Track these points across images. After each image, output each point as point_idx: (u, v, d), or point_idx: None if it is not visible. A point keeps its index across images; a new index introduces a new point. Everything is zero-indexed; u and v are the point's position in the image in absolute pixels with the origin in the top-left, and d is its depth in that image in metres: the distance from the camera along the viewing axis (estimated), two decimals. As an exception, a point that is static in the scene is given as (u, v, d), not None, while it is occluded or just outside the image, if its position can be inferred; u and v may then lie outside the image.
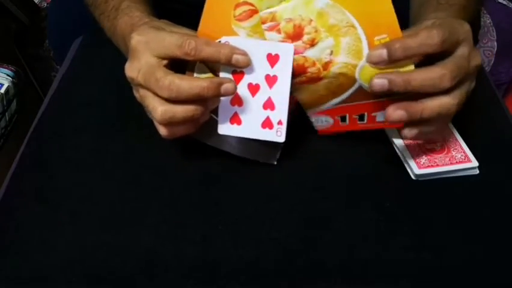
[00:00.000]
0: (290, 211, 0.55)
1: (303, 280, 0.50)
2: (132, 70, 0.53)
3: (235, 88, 0.52)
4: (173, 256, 0.51)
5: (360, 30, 0.52)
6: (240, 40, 0.52)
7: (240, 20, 0.52)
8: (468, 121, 0.63)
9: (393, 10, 0.51)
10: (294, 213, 0.55)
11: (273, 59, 0.53)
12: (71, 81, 0.72)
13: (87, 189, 0.57)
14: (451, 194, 0.57)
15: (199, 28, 0.53)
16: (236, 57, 0.52)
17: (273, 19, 0.53)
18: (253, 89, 0.54)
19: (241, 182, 0.58)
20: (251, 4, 0.52)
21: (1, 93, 1.08)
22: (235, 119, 0.55)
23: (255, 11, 0.52)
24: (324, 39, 0.53)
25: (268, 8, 0.52)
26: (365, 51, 0.52)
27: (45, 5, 1.27)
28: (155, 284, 0.49)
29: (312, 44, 0.53)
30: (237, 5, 0.52)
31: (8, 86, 1.09)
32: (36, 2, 1.26)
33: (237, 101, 0.54)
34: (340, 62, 0.53)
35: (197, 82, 0.51)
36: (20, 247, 0.52)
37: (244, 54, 0.52)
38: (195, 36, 0.52)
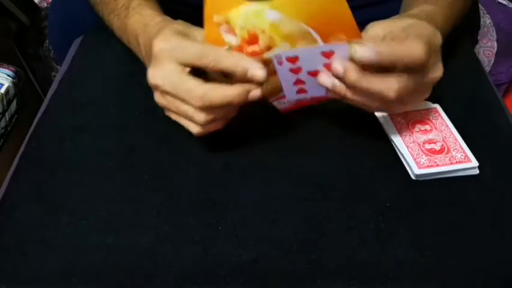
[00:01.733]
0: (290, 211, 0.55)
1: (303, 280, 0.50)
2: (157, 78, 0.53)
3: (261, 94, 0.53)
4: (173, 256, 0.51)
5: (316, 36, 0.52)
6: (292, 51, 0.53)
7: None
8: (468, 121, 0.63)
9: (349, 10, 0.51)
10: (294, 213, 0.55)
11: (328, 54, 0.52)
12: (72, 81, 0.72)
13: (87, 189, 0.57)
14: (450, 194, 0.57)
15: (205, 36, 0.54)
16: (252, 73, 0.52)
17: (227, 23, 0.53)
18: (313, 74, 0.54)
19: (241, 182, 0.58)
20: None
21: (1, 93, 1.07)
22: (301, 92, 0.56)
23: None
24: (279, 45, 0.53)
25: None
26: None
27: (46, 4, 1.27)
28: (154, 285, 0.49)
29: (268, 49, 0.53)
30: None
31: (8, 86, 1.09)
32: (36, 1, 1.26)
33: (300, 82, 0.55)
34: None
35: (228, 91, 0.52)
36: (19, 247, 0.52)
37: (262, 68, 0.52)
38: (214, 48, 0.53)
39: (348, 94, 0.52)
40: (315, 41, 0.53)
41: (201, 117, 0.53)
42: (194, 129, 0.55)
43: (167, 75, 0.53)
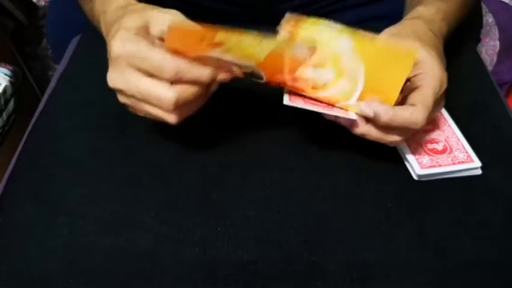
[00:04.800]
0: (290, 211, 0.55)
1: (303, 281, 0.50)
2: (118, 83, 0.51)
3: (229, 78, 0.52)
4: (173, 257, 0.51)
5: (360, 83, 0.53)
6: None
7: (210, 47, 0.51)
8: (470, 121, 0.63)
9: (400, 88, 0.53)
10: (294, 214, 0.54)
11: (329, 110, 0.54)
12: (69, 81, 0.72)
13: (85, 189, 0.57)
14: (453, 194, 0.57)
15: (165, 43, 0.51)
16: (220, 78, 0.51)
17: (295, 26, 0.54)
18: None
19: (241, 182, 0.57)
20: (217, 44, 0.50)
21: (-1, 93, 1.07)
22: None
23: (221, 43, 0.50)
24: (326, 68, 0.53)
25: (238, 40, 0.50)
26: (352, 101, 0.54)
27: (43, 3, 1.27)
28: (154, 285, 0.49)
29: (316, 66, 0.53)
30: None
31: (6, 85, 1.09)
32: (34, 0, 1.26)
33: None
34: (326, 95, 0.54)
35: (194, 90, 0.51)
36: (17, 248, 0.52)
37: (227, 72, 0.51)
38: (174, 59, 0.50)
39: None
40: (355, 87, 0.53)
41: (173, 117, 0.52)
42: (169, 119, 0.52)
43: (129, 82, 0.51)
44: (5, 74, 1.10)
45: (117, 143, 0.62)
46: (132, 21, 0.52)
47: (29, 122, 0.68)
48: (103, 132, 0.63)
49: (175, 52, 0.49)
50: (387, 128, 0.53)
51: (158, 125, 0.61)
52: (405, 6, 0.67)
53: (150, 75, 0.50)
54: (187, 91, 0.50)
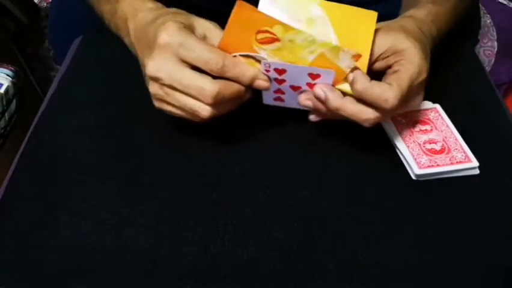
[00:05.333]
0: (290, 211, 0.55)
1: (303, 280, 0.50)
2: (160, 71, 0.52)
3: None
4: (173, 257, 0.51)
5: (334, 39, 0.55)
6: (282, 64, 0.53)
7: (261, 43, 0.53)
8: (468, 121, 0.63)
9: (370, 42, 0.55)
10: (294, 214, 0.55)
11: (314, 76, 0.54)
12: (71, 81, 0.72)
13: (86, 189, 0.57)
14: (451, 194, 0.57)
15: (221, 41, 0.53)
16: (258, 82, 0.54)
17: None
18: (295, 88, 0.56)
19: (241, 182, 0.57)
20: (272, 33, 0.53)
21: (1, 93, 1.07)
22: (277, 100, 0.58)
23: (276, 39, 0.53)
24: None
25: (290, 40, 0.53)
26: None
27: (45, 4, 1.27)
28: (154, 285, 0.49)
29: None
30: (259, 31, 0.52)
31: (8, 86, 1.09)
32: (35, 1, 1.26)
33: (280, 92, 0.57)
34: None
35: (235, 88, 0.53)
36: (19, 247, 0.52)
37: (266, 80, 0.54)
38: (221, 54, 0.52)
39: (328, 114, 0.56)
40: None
41: (208, 111, 0.53)
42: (197, 118, 0.54)
43: (172, 70, 0.52)
44: (7, 75, 1.10)
45: (118, 143, 0.62)
46: (179, 17, 0.54)
47: (31, 122, 0.68)
48: (104, 132, 0.63)
49: (227, 45, 0.53)
50: (360, 101, 0.53)
51: (159, 125, 0.61)
52: (401, 9, 0.67)
53: (194, 67, 0.52)
54: (229, 87, 0.53)
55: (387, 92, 0.52)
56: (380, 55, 0.56)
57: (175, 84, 0.52)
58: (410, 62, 0.54)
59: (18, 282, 0.50)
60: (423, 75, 0.55)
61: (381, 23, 0.59)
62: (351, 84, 0.53)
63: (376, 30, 0.56)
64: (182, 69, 0.52)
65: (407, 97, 0.54)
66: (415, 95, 0.56)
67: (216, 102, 0.52)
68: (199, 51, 0.52)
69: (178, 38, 0.52)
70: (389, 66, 0.56)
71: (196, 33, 0.54)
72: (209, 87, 0.52)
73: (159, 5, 0.60)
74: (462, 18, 0.68)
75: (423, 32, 0.59)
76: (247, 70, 0.53)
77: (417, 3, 0.63)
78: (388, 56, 0.56)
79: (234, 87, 0.53)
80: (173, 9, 0.57)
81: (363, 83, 0.52)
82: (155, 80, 0.53)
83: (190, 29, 0.54)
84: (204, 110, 0.53)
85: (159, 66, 0.52)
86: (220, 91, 0.52)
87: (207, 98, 0.52)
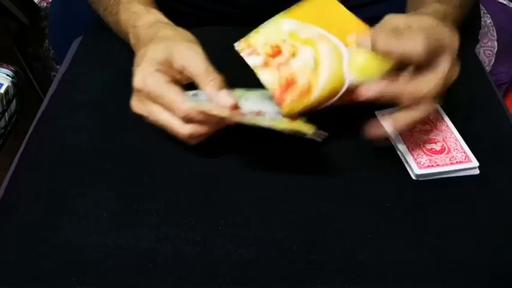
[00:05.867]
0: (290, 211, 0.55)
1: (303, 280, 0.50)
2: (140, 110, 0.57)
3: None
4: (173, 256, 0.51)
5: (331, 36, 0.54)
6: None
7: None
8: (468, 121, 0.63)
9: (345, 11, 0.56)
10: (294, 213, 0.55)
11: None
12: (71, 81, 0.72)
13: (86, 189, 0.57)
14: (451, 194, 0.57)
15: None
16: (225, 123, 0.56)
17: (249, 46, 0.54)
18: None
19: (241, 182, 0.58)
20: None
21: (1, 93, 1.07)
22: None
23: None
24: (303, 50, 0.54)
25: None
26: (344, 52, 0.54)
27: (45, 4, 1.27)
28: (154, 285, 0.49)
29: (294, 55, 0.54)
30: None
31: (8, 86, 1.09)
32: (36, 1, 1.26)
33: None
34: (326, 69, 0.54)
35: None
36: (19, 247, 0.52)
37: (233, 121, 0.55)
38: (185, 103, 0.54)
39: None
40: (333, 44, 0.54)
41: (190, 143, 0.57)
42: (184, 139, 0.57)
43: (150, 111, 0.56)
44: (7, 75, 1.10)
45: (118, 143, 0.62)
46: (157, 52, 0.57)
47: (31, 122, 0.68)
48: (104, 132, 0.63)
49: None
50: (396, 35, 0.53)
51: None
52: (406, 9, 0.67)
53: (168, 109, 0.55)
54: (200, 129, 0.55)
55: (413, 41, 0.51)
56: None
57: (156, 123, 0.57)
58: (441, 31, 0.53)
59: (18, 282, 0.50)
60: (455, 45, 0.54)
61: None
62: (368, 47, 0.53)
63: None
64: (158, 111, 0.56)
65: (430, 57, 0.52)
66: (449, 64, 0.54)
67: (193, 138, 0.56)
68: (166, 99, 0.55)
69: (148, 85, 0.55)
70: None
71: (175, 66, 0.56)
72: (180, 131, 0.55)
73: (152, 19, 0.62)
74: (467, 17, 0.68)
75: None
76: (212, 117, 0.54)
77: (424, 3, 0.63)
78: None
79: (205, 128, 0.55)
80: (161, 33, 0.59)
81: (385, 39, 0.52)
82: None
83: (167, 63, 0.56)
84: (187, 142, 0.57)
85: (139, 107, 0.57)
86: (193, 132, 0.55)
87: (183, 138, 0.56)
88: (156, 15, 0.63)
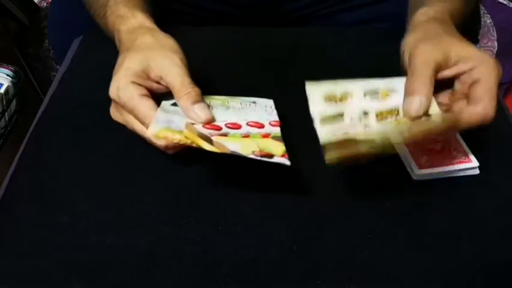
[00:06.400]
0: (290, 211, 0.55)
1: (303, 280, 0.50)
2: (118, 119, 0.59)
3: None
4: (173, 256, 0.51)
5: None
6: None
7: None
8: (468, 121, 0.63)
9: None
10: (294, 213, 0.55)
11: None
12: (71, 81, 0.72)
13: (87, 189, 0.57)
14: (451, 194, 0.57)
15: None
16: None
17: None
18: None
19: (241, 182, 0.57)
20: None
21: (1, 93, 1.07)
22: None
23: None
24: None
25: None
26: None
27: (45, 4, 1.27)
28: (154, 285, 0.49)
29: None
30: None
31: (8, 85, 1.09)
32: (36, 1, 1.26)
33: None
34: None
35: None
36: (19, 247, 0.52)
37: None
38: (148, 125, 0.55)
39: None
40: None
41: (168, 153, 0.57)
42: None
43: (126, 121, 0.58)
44: (7, 75, 1.10)
45: (118, 143, 0.62)
46: (133, 62, 0.57)
47: (31, 122, 0.68)
48: (104, 132, 0.63)
49: None
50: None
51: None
52: (409, 7, 0.67)
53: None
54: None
55: (487, 110, 0.53)
56: (441, 63, 0.55)
57: (134, 131, 0.58)
58: (488, 67, 0.54)
59: (18, 282, 0.50)
60: (500, 73, 0.55)
61: (413, 34, 0.58)
62: (437, 118, 0.53)
63: (421, 40, 0.56)
64: (133, 121, 0.57)
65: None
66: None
67: (169, 149, 0.56)
68: (137, 112, 0.56)
69: (122, 97, 0.56)
70: (461, 74, 0.55)
71: (152, 76, 0.57)
72: (156, 142, 0.56)
73: (135, 23, 0.62)
74: (468, 15, 0.68)
75: (452, 27, 0.59)
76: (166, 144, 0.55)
77: (426, 1, 0.62)
78: (455, 64, 0.55)
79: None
80: (140, 40, 0.59)
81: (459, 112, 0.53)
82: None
83: (144, 74, 0.56)
84: (165, 152, 0.57)
85: (116, 116, 0.59)
86: (168, 144, 0.55)
87: (160, 148, 0.56)
88: (139, 20, 0.63)
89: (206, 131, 0.55)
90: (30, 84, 1.24)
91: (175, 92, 0.56)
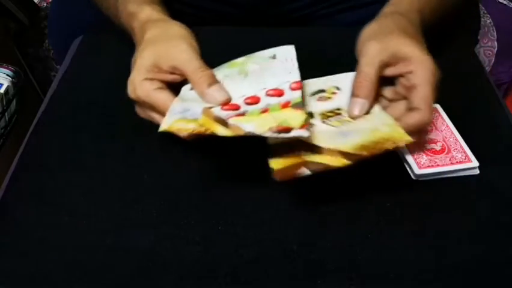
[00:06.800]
0: (290, 211, 0.55)
1: (303, 280, 0.50)
2: (142, 115, 0.60)
3: None
4: (173, 256, 0.51)
5: None
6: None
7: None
8: (468, 121, 0.63)
9: None
10: (294, 213, 0.55)
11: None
12: (71, 81, 0.72)
13: (87, 189, 0.57)
14: (451, 194, 0.57)
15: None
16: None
17: None
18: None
19: (241, 182, 0.57)
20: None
21: (1, 93, 1.07)
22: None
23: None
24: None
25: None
26: None
27: (45, 4, 1.27)
28: (154, 284, 0.49)
29: None
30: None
31: (8, 86, 1.09)
32: (36, 1, 1.26)
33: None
34: None
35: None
36: (19, 247, 0.52)
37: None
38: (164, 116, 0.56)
39: None
40: None
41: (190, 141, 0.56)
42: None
43: (149, 116, 0.59)
44: (7, 75, 1.10)
45: (118, 143, 0.62)
46: (144, 59, 0.57)
47: (31, 122, 0.68)
48: (104, 132, 0.63)
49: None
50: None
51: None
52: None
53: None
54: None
55: (424, 117, 0.54)
56: (387, 62, 0.56)
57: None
58: (426, 72, 0.55)
59: (18, 282, 0.50)
60: (437, 75, 0.55)
61: (371, 25, 0.60)
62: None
63: (371, 36, 0.57)
64: (154, 116, 0.58)
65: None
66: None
67: (192, 138, 0.55)
68: (157, 105, 0.56)
69: (139, 95, 0.57)
70: (401, 75, 0.56)
71: (165, 68, 0.57)
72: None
73: (144, 18, 0.62)
74: (452, 11, 0.68)
75: (417, 27, 0.59)
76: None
77: None
78: (397, 63, 0.56)
79: None
80: (148, 34, 0.60)
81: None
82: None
83: (156, 67, 0.57)
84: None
85: (140, 112, 0.60)
86: (191, 133, 0.55)
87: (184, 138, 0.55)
88: (147, 13, 0.63)
89: (224, 113, 0.54)
90: (30, 84, 1.24)
91: (190, 79, 0.56)
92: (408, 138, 0.52)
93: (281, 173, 0.51)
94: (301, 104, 0.53)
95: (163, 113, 0.56)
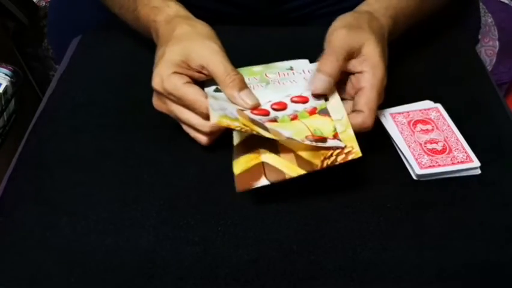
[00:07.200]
0: (290, 211, 0.55)
1: (303, 280, 0.50)
2: (162, 109, 0.59)
3: None
4: (173, 256, 0.51)
5: None
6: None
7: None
8: (470, 121, 0.63)
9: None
10: (294, 214, 0.55)
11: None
12: (70, 81, 0.72)
13: (86, 189, 0.57)
14: (451, 194, 0.57)
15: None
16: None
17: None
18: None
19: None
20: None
21: (-1, 93, 1.07)
22: None
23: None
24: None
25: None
26: None
27: (44, 4, 1.27)
28: (154, 285, 0.49)
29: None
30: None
31: (6, 85, 1.09)
32: (35, 1, 1.26)
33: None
34: None
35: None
36: (19, 247, 0.52)
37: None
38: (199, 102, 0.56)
39: None
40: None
41: (205, 141, 0.58)
42: (201, 140, 0.59)
43: (171, 110, 0.58)
44: (6, 74, 1.10)
45: (117, 142, 0.62)
46: (174, 54, 0.57)
47: (30, 121, 0.68)
48: (103, 132, 0.63)
49: None
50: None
51: (159, 125, 0.61)
52: None
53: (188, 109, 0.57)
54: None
55: (366, 121, 0.55)
56: (352, 52, 0.57)
57: (177, 119, 0.59)
58: (375, 77, 0.56)
59: (18, 282, 0.50)
60: (384, 83, 0.57)
61: (345, 16, 0.60)
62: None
63: (342, 26, 0.58)
64: (178, 110, 0.58)
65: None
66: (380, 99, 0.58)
67: (212, 134, 0.57)
68: (185, 99, 0.56)
69: (167, 87, 0.56)
70: (352, 73, 0.58)
71: (193, 66, 0.57)
72: (203, 126, 0.57)
73: (171, 13, 0.62)
74: (433, 14, 0.69)
75: (385, 31, 0.60)
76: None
77: None
78: (355, 58, 0.57)
79: None
80: (178, 30, 0.60)
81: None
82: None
83: (185, 64, 0.57)
84: (202, 140, 0.58)
85: (161, 106, 0.59)
86: (214, 128, 0.57)
87: (204, 133, 0.57)
88: (174, 9, 0.63)
89: (257, 117, 0.55)
90: (29, 84, 1.23)
91: (219, 80, 0.57)
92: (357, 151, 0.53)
93: (242, 179, 0.53)
94: (326, 110, 0.56)
95: (190, 106, 0.56)
